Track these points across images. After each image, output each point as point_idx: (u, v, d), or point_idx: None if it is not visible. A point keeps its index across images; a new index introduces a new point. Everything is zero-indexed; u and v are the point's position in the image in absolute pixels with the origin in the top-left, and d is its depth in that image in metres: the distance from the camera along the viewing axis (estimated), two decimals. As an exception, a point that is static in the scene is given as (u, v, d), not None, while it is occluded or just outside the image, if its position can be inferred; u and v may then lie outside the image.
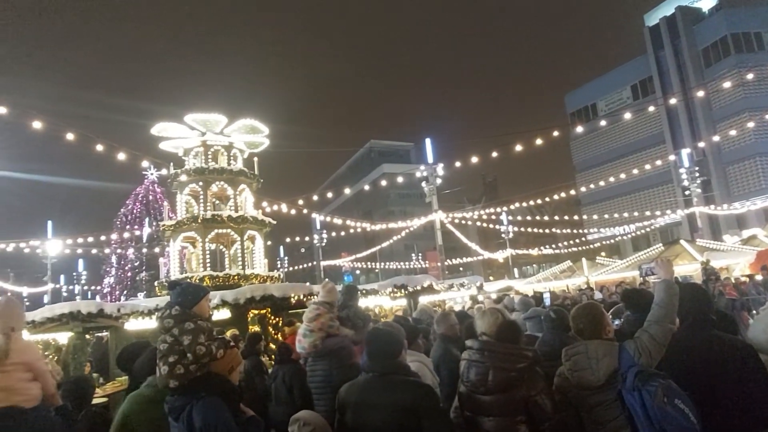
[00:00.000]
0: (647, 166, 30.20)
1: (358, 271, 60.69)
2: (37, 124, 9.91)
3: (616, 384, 2.84)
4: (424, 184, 22.37)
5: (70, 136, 10.27)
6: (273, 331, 8.24)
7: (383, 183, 30.41)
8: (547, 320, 4.54)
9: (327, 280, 5.24)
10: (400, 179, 26.38)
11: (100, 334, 11.88)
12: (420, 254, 50.21)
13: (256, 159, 14.76)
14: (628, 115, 40.27)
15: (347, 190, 27.70)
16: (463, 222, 33.71)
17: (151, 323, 8.43)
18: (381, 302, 12.35)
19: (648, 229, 42.24)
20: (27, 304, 48.48)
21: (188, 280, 11.67)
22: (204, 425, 2.76)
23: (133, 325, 8.56)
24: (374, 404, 2.86)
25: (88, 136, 10.53)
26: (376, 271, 55.14)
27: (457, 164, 21.58)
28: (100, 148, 10.80)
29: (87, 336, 9.41)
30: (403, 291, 10.27)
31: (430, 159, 22.40)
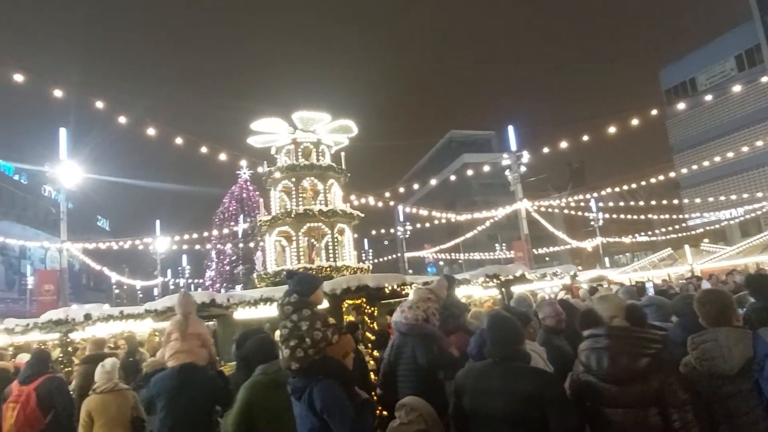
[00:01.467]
0: (759, 143, 27.36)
1: (441, 262, 60.51)
2: (151, 131, 10.88)
3: (751, 373, 2.67)
4: (507, 172, 21.85)
5: (178, 141, 11.17)
6: (369, 321, 8.47)
7: (465, 173, 30.05)
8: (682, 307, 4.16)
9: (441, 277, 5.34)
10: (486, 168, 25.96)
11: (208, 323, 12.86)
12: (504, 244, 49.17)
13: (342, 154, 15.17)
14: (736, 88, 36.65)
15: (433, 181, 27.67)
16: (550, 210, 32.51)
17: (256, 312, 8.98)
18: (471, 292, 12.28)
19: (758, 213, 38.36)
20: (140, 295, 53.40)
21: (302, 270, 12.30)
22: (323, 405, 2.95)
23: (240, 314, 9.15)
24: (494, 391, 2.85)
25: (194, 139, 11.39)
26: (460, 262, 54.70)
27: (545, 150, 20.83)
28: (204, 150, 11.64)
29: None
30: (494, 281, 10.14)
31: (513, 146, 21.84)
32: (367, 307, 8.50)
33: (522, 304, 6.85)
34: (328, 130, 14.72)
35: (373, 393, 5.99)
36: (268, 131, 14.52)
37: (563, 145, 19.79)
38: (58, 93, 10.33)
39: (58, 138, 19.58)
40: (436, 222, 34.53)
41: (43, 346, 10.82)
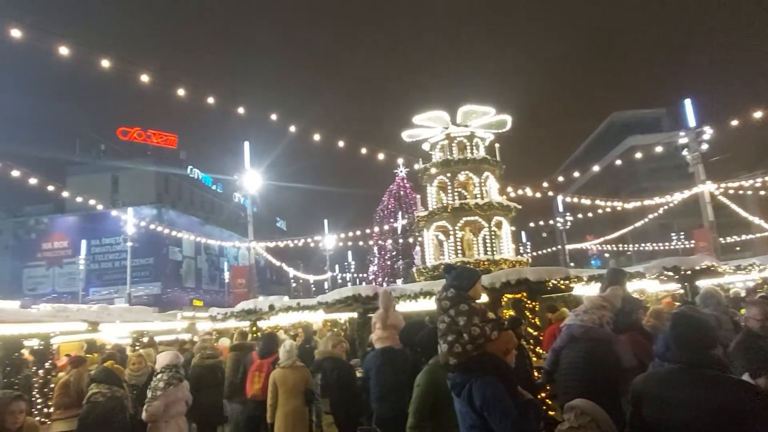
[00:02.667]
0: None
1: (606, 255, 55.85)
2: (317, 137, 11.90)
3: None
4: (685, 152, 19.29)
5: (341, 144, 12.03)
6: (530, 316, 8.18)
7: (631, 157, 27.27)
8: None
9: (616, 286, 4.95)
10: (658, 149, 23.25)
11: (371, 315, 13.62)
12: (682, 233, 43.58)
13: (497, 146, 14.88)
14: None
15: (595, 168, 25.67)
16: (740, 192, 27.90)
17: (415, 305, 9.25)
18: (644, 287, 11.07)
19: None
20: (313, 289, 58.54)
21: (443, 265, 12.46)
22: (483, 403, 2.85)
23: (401, 307, 9.53)
24: (682, 401, 2.54)
25: (355, 142, 12.16)
26: (628, 253, 49.95)
27: (733, 123, 17.91)
28: (364, 151, 12.37)
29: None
30: (674, 274, 9.03)
31: (691, 122, 19.21)
32: (528, 301, 8.21)
33: (709, 301, 6.01)
34: (482, 125, 14.57)
35: (539, 394, 5.79)
36: (426, 124, 14.82)
37: (758, 114, 16.78)
38: (241, 110, 11.81)
39: (243, 150, 22.39)
40: (600, 211, 31.91)
41: (233, 332, 12.55)
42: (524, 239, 49.66)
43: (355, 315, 10.48)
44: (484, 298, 8.90)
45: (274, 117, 12.20)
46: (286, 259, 43.55)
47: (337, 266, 57.47)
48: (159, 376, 5.69)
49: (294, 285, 71.28)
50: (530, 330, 7.99)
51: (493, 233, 14.01)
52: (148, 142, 57.57)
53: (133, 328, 10.94)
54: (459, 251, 13.86)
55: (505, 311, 9.50)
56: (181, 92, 10.85)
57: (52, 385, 7.23)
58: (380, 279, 42.39)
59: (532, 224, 38.59)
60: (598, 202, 27.50)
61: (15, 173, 13.62)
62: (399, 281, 36.51)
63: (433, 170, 14.70)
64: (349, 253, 52.73)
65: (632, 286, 9.11)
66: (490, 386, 2.88)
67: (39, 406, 7.04)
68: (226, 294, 54.84)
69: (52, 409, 7.03)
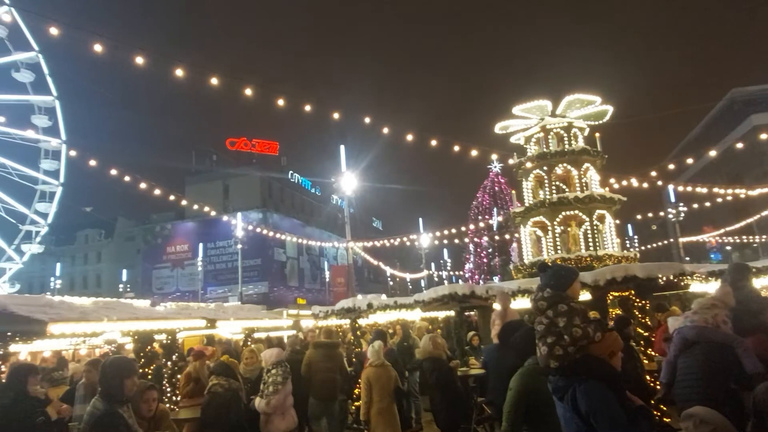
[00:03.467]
0: None
1: (728, 248, 50.49)
2: (410, 137, 12.05)
3: None
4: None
5: (433, 143, 12.07)
6: (640, 315, 7.67)
7: (756, 138, 24.41)
8: None
9: (727, 283, 4.56)
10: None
11: (469, 313, 13.50)
12: (823, 222, 38.21)
13: (597, 135, 14.11)
14: None
15: (712, 153, 23.39)
16: None
17: (514, 304, 9.04)
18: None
19: None
20: (410, 287, 59.05)
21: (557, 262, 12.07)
22: (589, 409, 2.70)
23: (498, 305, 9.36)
24: None
25: (447, 140, 12.14)
26: (754, 245, 44.71)
27: None
28: (456, 148, 12.30)
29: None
30: (813, 269, 8.00)
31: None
32: (637, 300, 7.70)
33: None
34: (581, 115, 13.90)
35: (651, 399, 5.43)
36: (524, 115, 14.42)
37: None
38: (336, 115, 12.28)
39: (339, 153, 23.19)
40: (719, 200, 28.93)
41: (340, 330, 13.05)
42: (631, 233, 46.33)
43: (452, 313, 10.48)
44: (585, 296, 8.50)
45: (367, 120, 12.51)
46: (383, 258, 44.35)
47: (433, 264, 57.40)
48: (273, 371, 6.07)
49: (391, 283, 72.40)
50: (640, 330, 7.50)
51: (595, 227, 13.30)
52: (252, 150, 61.64)
53: (245, 325, 11.80)
54: (558, 247, 13.32)
55: (611, 310, 9.00)
56: (281, 102, 11.49)
57: (178, 376, 8.01)
58: (476, 277, 41.78)
59: (639, 217, 35.90)
60: (716, 189, 25.01)
61: (143, 185, 15.32)
62: (495, 279, 35.75)
63: (529, 164, 14.26)
64: (445, 250, 52.44)
65: (760, 283, 8.22)
66: (596, 391, 2.74)
67: (168, 395, 7.84)
68: (327, 292, 57.11)
69: (179, 398, 7.77)
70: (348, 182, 23.12)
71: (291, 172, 65.52)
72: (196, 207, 24.41)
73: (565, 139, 13.97)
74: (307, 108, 11.61)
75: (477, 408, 7.63)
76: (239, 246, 32.58)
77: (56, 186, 28.99)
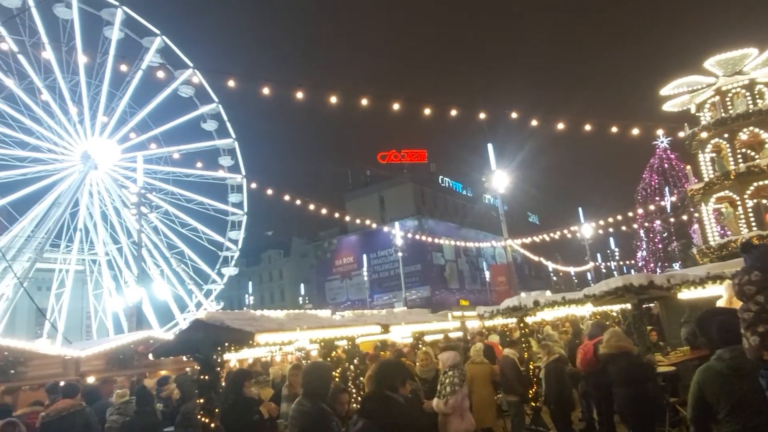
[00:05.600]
0: None
1: None
2: (560, 126, 11.57)
3: None
4: None
5: (587, 127, 11.42)
6: None
7: None
8: None
9: None
10: None
11: (649, 305, 12.37)
12: None
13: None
14: None
15: None
16: None
17: (702, 293, 8.12)
18: None
19: None
20: (575, 281, 55.73)
21: (733, 243, 10.59)
22: None
23: (685, 295, 8.47)
24: None
25: (604, 122, 11.37)
26: None
27: None
28: (614, 129, 11.43)
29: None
30: None
31: None
32: None
33: None
34: (759, 66, 11.97)
35: None
36: (687, 86, 12.97)
37: None
38: (482, 115, 12.31)
39: (488, 152, 23.03)
40: None
41: (505, 329, 12.95)
42: None
43: (627, 306, 9.74)
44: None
45: (514, 115, 12.31)
46: (543, 253, 42.58)
47: (599, 255, 53.65)
48: (450, 372, 6.31)
49: (554, 279, 69.14)
50: None
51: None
52: (402, 161, 64.15)
53: (415, 329, 12.32)
54: (753, 224, 11.56)
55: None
56: (427, 111, 11.89)
57: (361, 378, 8.70)
58: (651, 265, 37.86)
59: None
60: None
61: (311, 207, 17.06)
62: (675, 265, 31.97)
63: (704, 134, 12.67)
64: (611, 239, 48.58)
65: None
66: None
67: (354, 396, 8.55)
68: (488, 292, 56.55)
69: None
70: (499, 180, 22.80)
71: (441, 176, 66.73)
72: (358, 221, 26.14)
73: (749, 98, 12.12)
74: (453, 113, 11.83)
75: (670, 409, 7.01)
76: (399, 254, 34.01)
77: (242, 215, 33.53)
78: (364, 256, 47.86)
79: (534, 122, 13.10)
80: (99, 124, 29.53)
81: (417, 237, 34.86)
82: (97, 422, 7.17)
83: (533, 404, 9.14)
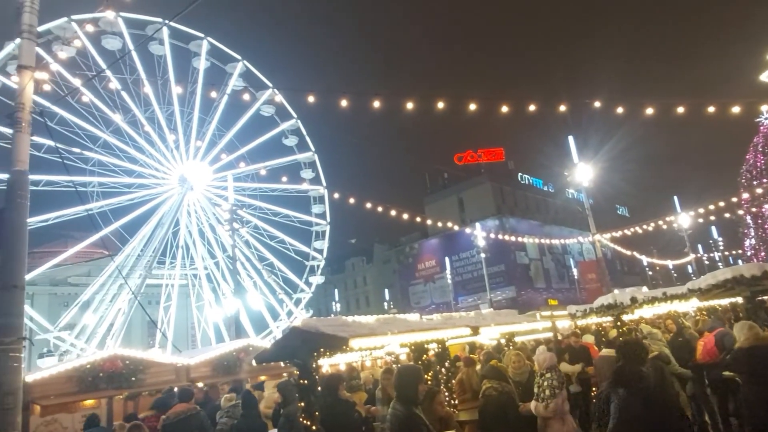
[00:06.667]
0: None
1: None
2: (649, 110, 10.97)
3: None
4: None
5: (680, 110, 10.73)
6: None
7: None
8: None
9: None
10: None
11: (762, 298, 11.33)
12: None
13: None
14: None
15: None
16: None
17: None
18: None
19: None
20: (674, 275, 52.00)
21: None
22: None
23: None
24: None
25: (697, 102, 10.64)
26: None
27: None
28: (711, 109, 10.63)
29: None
30: None
31: None
32: None
33: None
34: None
35: None
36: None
37: None
38: (562, 108, 11.96)
39: (568, 145, 22.21)
40: None
41: (600, 329, 12.39)
42: None
43: (738, 300, 9.01)
44: None
45: (597, 104, 11.84)
46: (636, 247, 40.17)
47: (699, 246, 49.70)
48: (548, 375, 6.19)
49: (650, 273, 64.88)
50: None
51: None
52: (479, 161, 63.39)
53: (504, 330, 12.13)
54: None
55: None
56: (504, 108, 11.75)
57: (453, 381, 8.74)
58: (763, 253, 34.45)
59: None
60: None
61: (392, 212, 17.39)
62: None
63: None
64: (713, 228, 44.82)
65: None
66: None
67: (447, 398, 8.60)
68: (577, 290, 54.20)
69: (456, 401, 8.46)
70: (583, 173, 21.88)
71: (520, 174, 65.15)
72: (440, 224, 26.18)
73: None
74: (531, 107, 11.60)
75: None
76: (482, 255, 33.54)
77: (325, 225, 34.81)
78: (446, 259, 47.66)
79: (620, 109, 12.52)
80: (192, 149, 31.94)
81: (499, 237, 34.22)
82: (210, 425, 7.78)
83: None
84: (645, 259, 45.29)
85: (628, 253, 36.23)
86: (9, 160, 6.85)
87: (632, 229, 29.39)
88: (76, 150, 26.94)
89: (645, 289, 14.00)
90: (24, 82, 7.09)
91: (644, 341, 9.40)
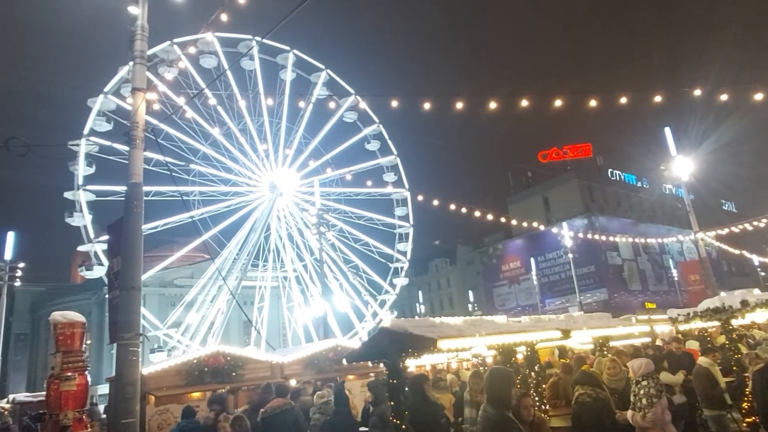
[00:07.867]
0: None
1: None
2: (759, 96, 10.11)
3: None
4: None
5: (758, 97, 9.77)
6: None
7: None
8: None
9: None
10: None
11: None
12: None
13: None
14: None
15: None
16: None
17: None
18: None
19: None
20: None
21: None
22: None
23: None
24: None
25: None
26: None
27: None
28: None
29: None
30: None
31: None
32: None
33: None
34: None
35: None
36: None
37: None
38: (657, 98, 11.29)
39: (665, 137, 20.82)
40: None
41: (705, 334, 11.51)
42: None
43: None
44: None
45: (697, 92, 11.06)
46: (746, 246, 36.55)
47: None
48: (644, 383, 5.91)
49: (762, 274, 58.76)
50: None
51: None
52: (565, 158, 60.81)
53: (597, 334, 11.63)
54: None
55: None
56: (593, 103, 11.31)
57: (544, 386, 8.53)
58: None
59: None
60: None
61: (477, 213, 17.25)
62: None
63: None
64: None
65: None
66: None
67: (537, 403, 8.42)
68: (678, 293, 50.33)
69: (546, 406, 8.25)
70: (682, 166, 20.40)
71: (610, 170, 61.70)
72: (525, 224, 25.54)
73: None
74: (623, 100, 11.07)
75: None
76: (569, 255, 32.22)
77: (409, 227, 35.23)
78: (532, 260, 46.25)
79: (724, 96, 11.59)
80: (281, 156, 33.62)
81: (588, 236, 32.67)
82: (303, 419, 8.19)
83: (747, 419, 8.02)
84: (756, 259, 41.07)
85: (737, 252, 33.07)
86: (125, 174, 7.67)
87: (740, 226, 26.88)
88: (181, 162, 29.35)
89: (757, 291, 12.80)
90: (137, 103, 7.90)
91: (754, 349, 8.69)
